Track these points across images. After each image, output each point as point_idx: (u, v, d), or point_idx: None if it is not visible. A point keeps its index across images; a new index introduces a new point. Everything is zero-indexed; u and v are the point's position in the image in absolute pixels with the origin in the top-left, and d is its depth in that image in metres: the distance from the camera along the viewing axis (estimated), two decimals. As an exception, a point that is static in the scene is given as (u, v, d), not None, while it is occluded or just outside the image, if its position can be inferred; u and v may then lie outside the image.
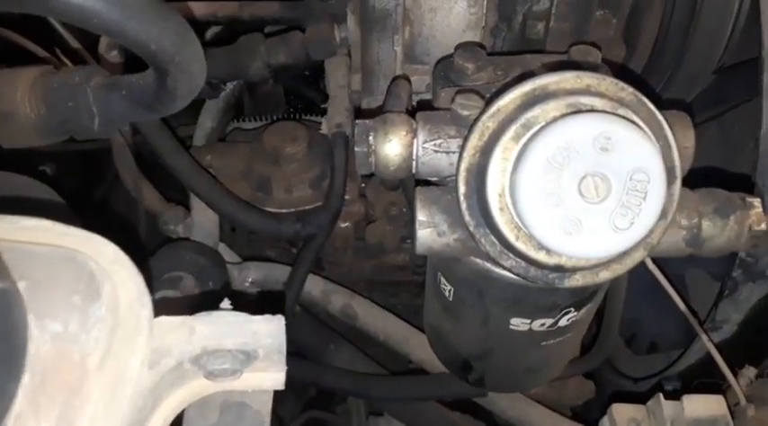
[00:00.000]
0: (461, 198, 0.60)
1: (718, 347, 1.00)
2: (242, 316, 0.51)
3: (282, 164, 1.08)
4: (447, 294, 0.77)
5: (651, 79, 1.05)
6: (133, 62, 0.65)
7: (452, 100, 0.66)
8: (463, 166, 0.59)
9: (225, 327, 0.50)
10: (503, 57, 0.80)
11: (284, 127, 1.10)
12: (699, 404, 0.83)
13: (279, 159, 1.07)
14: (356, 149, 0.66)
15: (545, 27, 0.93)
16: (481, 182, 0.58)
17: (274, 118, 1.25)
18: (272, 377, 0.53)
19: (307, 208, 1.07)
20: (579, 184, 0.53)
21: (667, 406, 0.83)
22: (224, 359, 0.50)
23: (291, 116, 1.28)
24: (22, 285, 0.40)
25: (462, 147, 0.60)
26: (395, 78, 0.88)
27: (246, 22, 1.00)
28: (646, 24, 1.03)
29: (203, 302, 0.94)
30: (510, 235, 0.58)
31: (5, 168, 0.81)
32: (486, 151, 0.58)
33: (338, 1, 0.96)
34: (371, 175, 0.98)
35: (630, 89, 0.58)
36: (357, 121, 0.67)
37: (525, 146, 0.55)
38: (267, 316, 0.51)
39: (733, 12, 0.96)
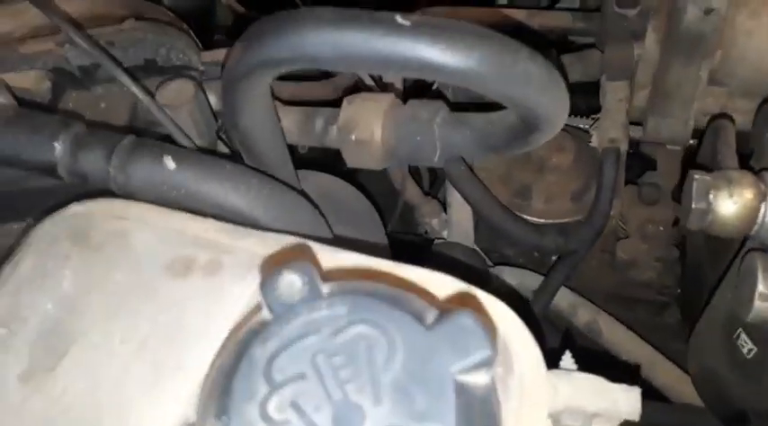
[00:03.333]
0: (826, 282, 0.56)
1: None
2: (600, 381, 0.53)
3: (546, 173, 1.08)
4: (745, 351, 0.74)
5: None
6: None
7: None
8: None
9: (587, 391, 0.52)
10: None
11: (550, 135, 1.10)
12: None
13: (543, 168, 1.08)
14: (694, 206, 0.64)
15: None
16: None
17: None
18: (602, 429, 0.55)
19: (565, 221, 1.07)
20: None
21: None
22: (577, 416, 0.53)
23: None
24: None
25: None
26: (716, 117, 0.83)
27: (535, 32, 0.99)
28: None
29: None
30: None
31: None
32: None
33: (640, 17, 0.91)
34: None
35: None
36: (696, 177, 0.65)
37: None
38: (625, 387, 0.52)
39: None
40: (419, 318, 0.35)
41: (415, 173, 1.20)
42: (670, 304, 1.20)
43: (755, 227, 0.63)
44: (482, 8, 1.01)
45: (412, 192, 1.17)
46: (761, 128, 0.74)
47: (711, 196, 0.64)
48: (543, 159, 1.07)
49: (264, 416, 0.31)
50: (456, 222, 1.11)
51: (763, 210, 0.62)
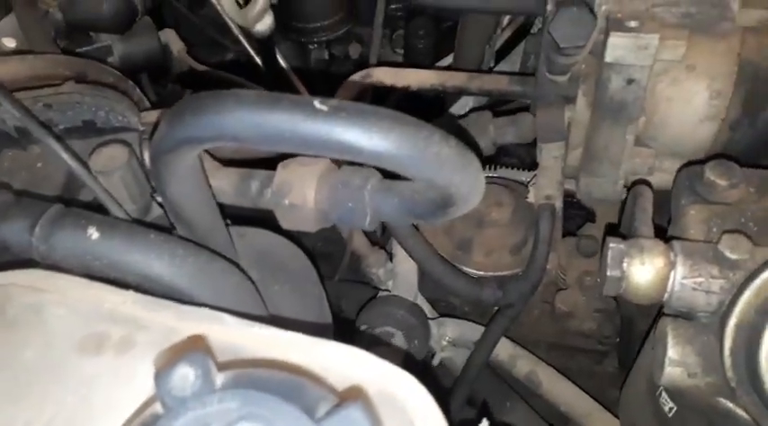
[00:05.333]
0: (726, 352, 0.59)
1: None
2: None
3: (485, 227, 1.11)
4: (666, 409, 0.76)
5: None
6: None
7: (718, 239, 0.65)
8: (733, 322, 0.59)
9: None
10: (755, 171, 0.78)
11: (490, 190, 1.13)
12: None
13: (482, 223, 1.11)
14: (609, 274, 0.67)
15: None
16: (753, 343, 0.57)
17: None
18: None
19: (505, 273, 1.09)
20: None
21: None
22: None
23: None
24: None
25: (733, 301, 0.59)
26: (636, 183, 0.87)
27: (473, 94, 1.03)
28: None
29: (407, 361, 1.01)
30: (779, 403, 0.56)
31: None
32: (763, 311, 0.57)
33: (571, 82, 0.96)
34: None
35: None
36: (611, 245, 0.68)
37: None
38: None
39: None
40: (310, 411, 0.36)
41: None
42: (609, 352, 1.23)
43: (666, 295, 0.66)
44: (424, 70, 1.04)
45: (358, 243, 1.19)
46: (677, 196, 0.78)
47: (625, 264, 0.67)
48: (483, 214, 1.10)
49: None
50: (400, 273, 1.13)
51: (672, 278, 0.65)
